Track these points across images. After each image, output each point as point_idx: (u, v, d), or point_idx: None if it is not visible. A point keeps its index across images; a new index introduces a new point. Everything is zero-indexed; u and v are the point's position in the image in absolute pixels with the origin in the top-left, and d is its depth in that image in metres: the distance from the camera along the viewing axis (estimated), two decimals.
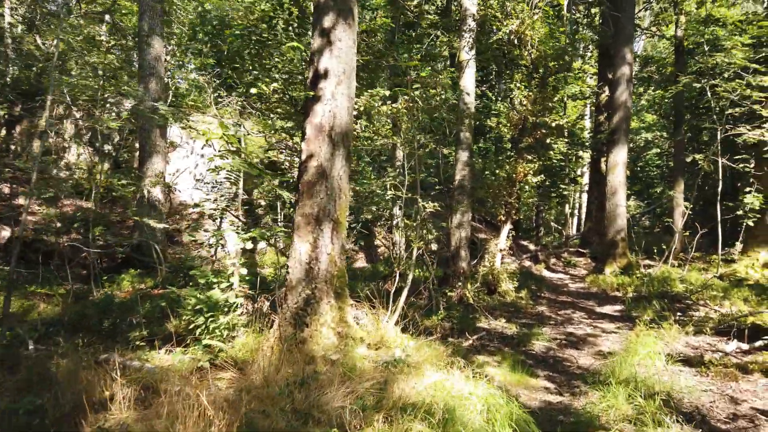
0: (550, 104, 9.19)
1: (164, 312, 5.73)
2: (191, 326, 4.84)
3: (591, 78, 20.28)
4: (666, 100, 17.97)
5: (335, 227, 5.18)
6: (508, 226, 9.55)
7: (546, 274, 13.32)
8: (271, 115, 7.68)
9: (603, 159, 16.66)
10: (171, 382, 3.73)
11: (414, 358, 5.03)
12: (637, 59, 18.95)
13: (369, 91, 5.89)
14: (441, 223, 11.84)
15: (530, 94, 9.08)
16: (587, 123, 23.22)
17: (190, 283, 6.13)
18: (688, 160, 11.75)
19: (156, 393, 3.67)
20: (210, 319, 4.79)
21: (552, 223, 30.92)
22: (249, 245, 5.76)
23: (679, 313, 7.86)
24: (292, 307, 5.05)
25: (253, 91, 5.59)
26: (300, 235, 5.13)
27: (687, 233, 12.64)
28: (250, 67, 6.74)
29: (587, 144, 15.91)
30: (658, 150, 24.12)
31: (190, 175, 13.53)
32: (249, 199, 12.28)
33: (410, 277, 6.15)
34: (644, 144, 24.36)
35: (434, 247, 11.60)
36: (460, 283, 8.80)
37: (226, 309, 4.96)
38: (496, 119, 9.95)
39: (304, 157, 5.25)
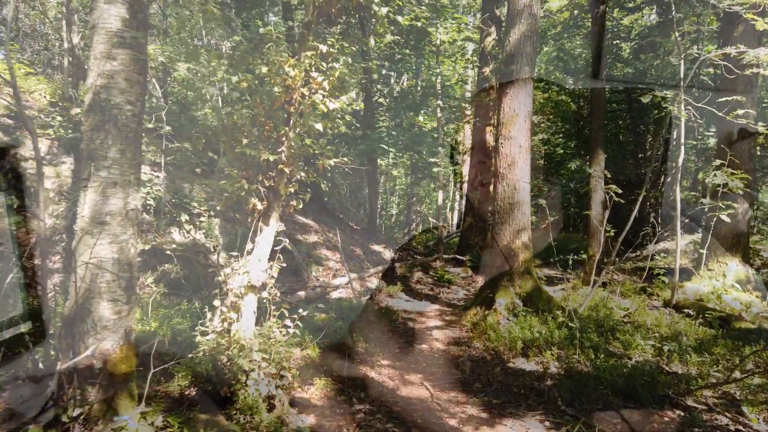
0: None
1: None
2: None
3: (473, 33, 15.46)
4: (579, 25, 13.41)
5: None
6: (273, 226, 3.75)
7: (401, 303, 7.84)
8: None
9: (489, 126, 11.79)
10: None
11: None
12: None
13: None
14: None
15: None
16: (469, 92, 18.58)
17: None
18: (646, 100, 6.98)
19: None
20: None
21: (431, 219, 26.34)
22: None
23: None
24: None
25: None
26: None
27: (612, 232, 7.94)
28: None
29: (468, 101, 10.89)
30: (544, 135, 20.25)
31: None
32: None
33: None
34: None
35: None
36: (80, 409, 2.73)
37: None
38: None
39: None
